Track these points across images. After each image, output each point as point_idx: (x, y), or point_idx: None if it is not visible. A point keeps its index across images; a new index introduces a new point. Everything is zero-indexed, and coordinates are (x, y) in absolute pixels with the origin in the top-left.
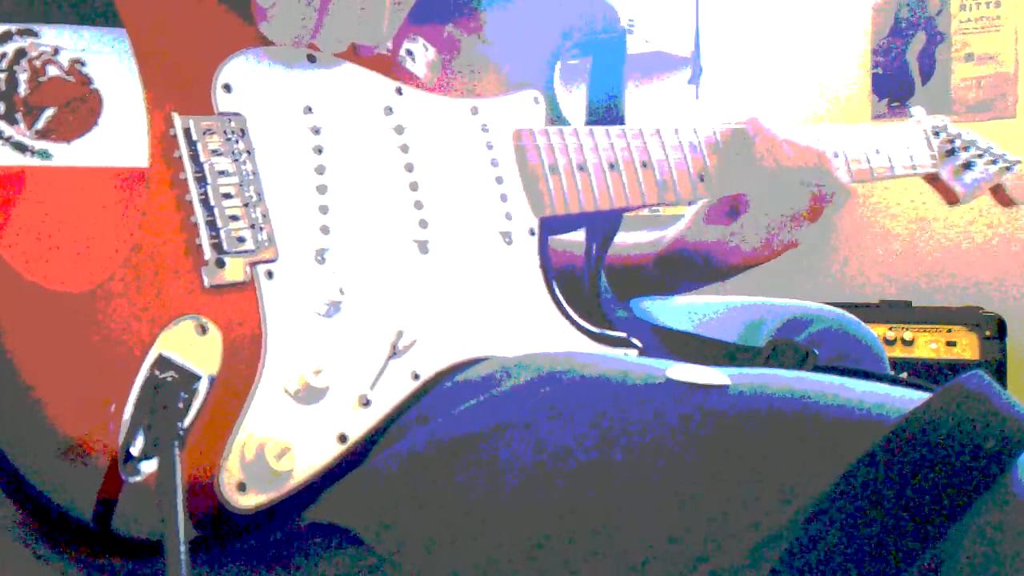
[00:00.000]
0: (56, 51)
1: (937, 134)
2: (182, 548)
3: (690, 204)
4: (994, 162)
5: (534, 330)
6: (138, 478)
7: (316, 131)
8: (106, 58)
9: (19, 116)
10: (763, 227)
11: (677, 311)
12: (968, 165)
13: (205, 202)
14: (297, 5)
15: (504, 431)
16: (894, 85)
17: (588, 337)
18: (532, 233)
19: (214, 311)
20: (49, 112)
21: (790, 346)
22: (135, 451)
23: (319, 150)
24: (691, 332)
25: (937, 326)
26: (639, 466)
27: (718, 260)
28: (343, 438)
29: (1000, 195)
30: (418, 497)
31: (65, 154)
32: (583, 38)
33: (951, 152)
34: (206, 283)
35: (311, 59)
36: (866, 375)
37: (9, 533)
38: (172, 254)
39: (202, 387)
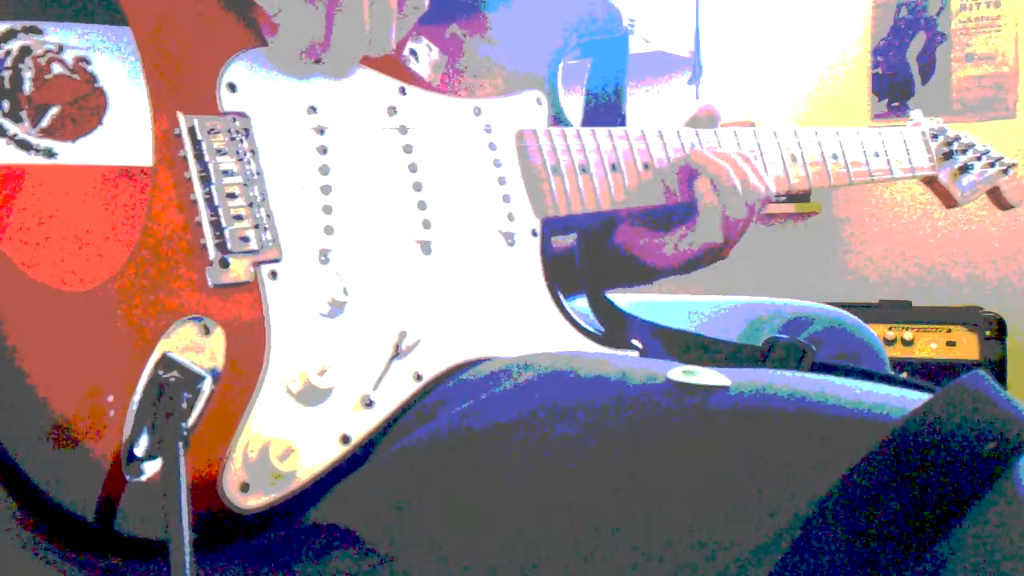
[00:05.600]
0: (61, 49)
1: (935, 137)
2: (187, 549)
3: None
4: (992, 165)
5: (536, 331)
6: (141, 478)
7: (320, 131)
8: (111, 56)
9: (23, 114)
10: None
11: (677, 311)
12: (966, 168)
13: (209, 202)
14: (304, 13)
15: (505, 431)
16: (894, 85)
17: (589, 338)
18: (534, 234)
19: (218, 311)
20: (53, 110)
21: (786, 344)
22: (139, 451)
23: (323, 150)
24: (691, 332)
25: (937, 326)
26: (639, 468)
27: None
28: (346, 439)
29: (997, 197)
30: (419, 497)
31: (69, 152)
32: (585, 39)
33: (949, 155)
34: (210, 283)
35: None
36: (866, 375)
37: (10, 532)
38: (176, 254)
39: (206, 387)
